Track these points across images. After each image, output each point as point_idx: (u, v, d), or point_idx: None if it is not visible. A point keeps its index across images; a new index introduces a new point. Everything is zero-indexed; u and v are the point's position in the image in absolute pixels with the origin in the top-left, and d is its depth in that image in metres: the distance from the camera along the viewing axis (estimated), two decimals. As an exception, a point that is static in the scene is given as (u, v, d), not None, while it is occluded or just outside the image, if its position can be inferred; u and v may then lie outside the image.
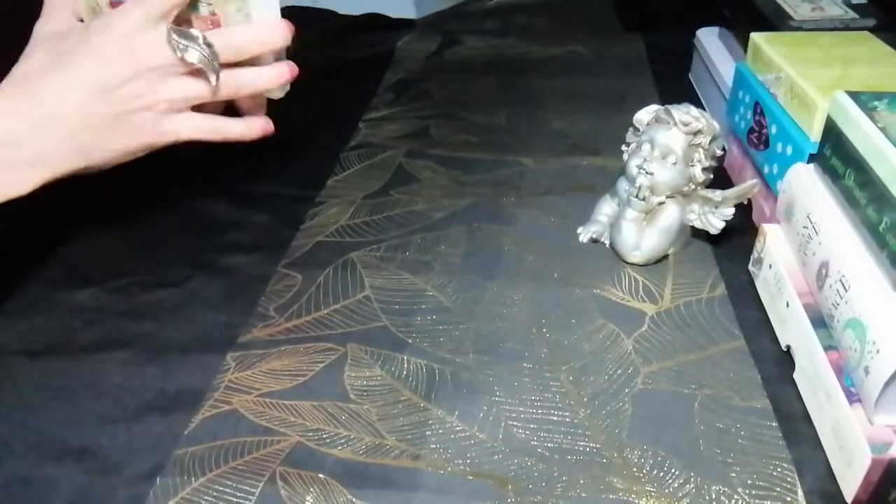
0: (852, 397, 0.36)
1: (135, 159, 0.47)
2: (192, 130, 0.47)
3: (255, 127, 0.50)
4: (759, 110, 0.54)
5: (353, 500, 0.36)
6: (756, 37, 0.56)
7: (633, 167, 0.50)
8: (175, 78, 0.44)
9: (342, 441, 0.40)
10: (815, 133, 0.45)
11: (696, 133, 0.50)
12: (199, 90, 0.45)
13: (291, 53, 0.50)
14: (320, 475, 0.38)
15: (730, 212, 0.50)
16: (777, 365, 0.43)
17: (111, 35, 0.42)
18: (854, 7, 0.62)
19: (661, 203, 0.51)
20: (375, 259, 0.54)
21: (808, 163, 0.46)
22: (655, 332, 0.46)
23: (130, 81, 0.42)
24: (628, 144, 0.54)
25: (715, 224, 0.51)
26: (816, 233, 0.42)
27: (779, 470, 0.37)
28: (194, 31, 0.43)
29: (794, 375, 0.42)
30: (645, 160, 0.50)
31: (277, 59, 0.49)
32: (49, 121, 0.41)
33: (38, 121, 0.41)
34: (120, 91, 0.42)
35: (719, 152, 0.51)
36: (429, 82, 0.81)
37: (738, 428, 0.39)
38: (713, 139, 0.51)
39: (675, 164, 0.50)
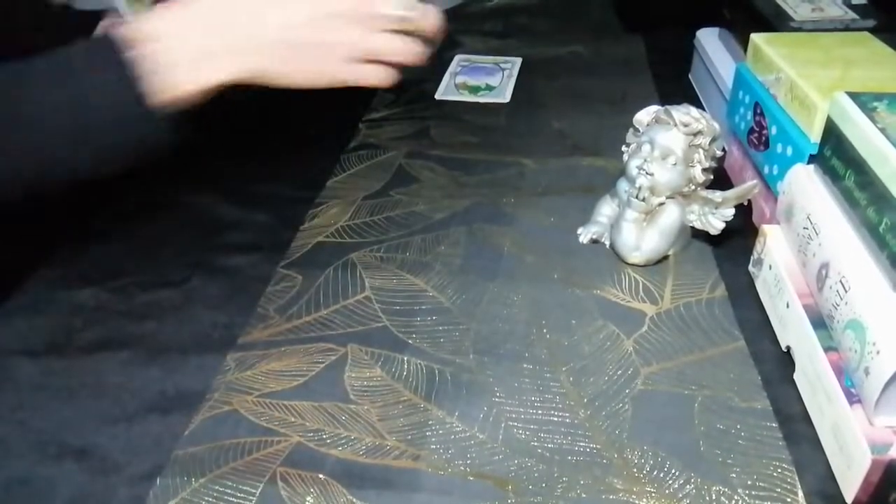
0: (852, 398, 0.36)
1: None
2: (373, 80, 0.47)
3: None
4: (759, 111, 0.54)
5: (353, 500, 0.36)
6: (756, 37, 0.56)
7: (633, 168, 0.51)
8: (384, 32, 0.45)
9: (342, 441, 0.40)
10: (815, 134, 0.45)
11: (696, 134, 0.50)
12: (399, 47, 0.46)
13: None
14: (320, 475, 0.38)
15: (730, 213, 0.50)
16: (777, 366, 0.43)
17: None
18: (854, 7, 0.62)
19: (661, 204, 0.51)
20: (375, 259, 0.54)
21: (808, 164, 0.46)
22: (655, 332, 0.46)
23: (348, 22, 0.44)
24: (628, 145, 0.54)
25: (715, 225, 0.51)
26: (816, 234, 0.42)
27: (779, 471, 0.37)
28: None
29: (794, 376, 0.42)
30: (645, 161, 0.50)
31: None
32: (259, 22, 0.43)
33: (248, 18, 0.43)
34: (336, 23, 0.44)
35: (719, 153, 0.51)
36: (429, 83, 0.81)
37: (738, 429, 0.39)
38: (713, 140, 0.51)
39: (675, 164, 0.50)
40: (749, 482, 0.37)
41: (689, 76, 0.79)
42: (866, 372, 0.34)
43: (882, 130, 0.38)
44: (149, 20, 0.41)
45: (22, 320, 0.49)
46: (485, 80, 0.80)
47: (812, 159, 0.46)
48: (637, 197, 0.50)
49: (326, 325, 0.48)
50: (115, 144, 0.42)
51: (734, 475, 0.37)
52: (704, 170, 0.51)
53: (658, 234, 0.51)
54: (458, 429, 0.40)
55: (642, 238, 0.51)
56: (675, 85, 0.78)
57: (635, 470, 0.38)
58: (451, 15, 1.06)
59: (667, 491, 0.36)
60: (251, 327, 0.48)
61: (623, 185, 0.53)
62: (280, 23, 0.43)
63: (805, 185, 0.45)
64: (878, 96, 0.41)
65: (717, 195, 0.50)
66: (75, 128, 0.40)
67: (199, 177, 0.64)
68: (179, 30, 0.42)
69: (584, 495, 0.36)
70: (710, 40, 0.74)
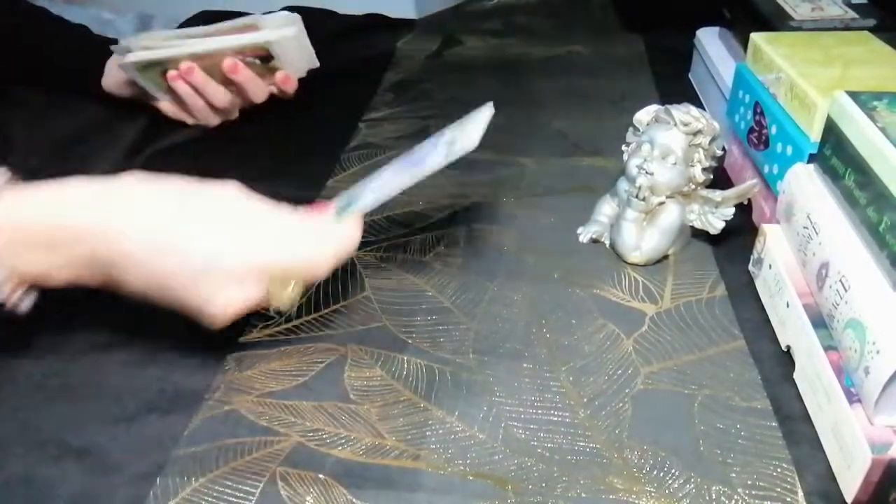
0: (852, 397, 0.36)
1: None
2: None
3: None
4: (759, 110, 0.54)
5: (353, 500, 0.36)
6: (756, 37, 0.56)
7: (633, 167, 0.51)
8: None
9: (342, 441, 0.40)
10: (815, 133, 0.45)
11: (696, 133, 0.50)
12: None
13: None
14: (320, 475, 0.38)
15: (730, 212, 0.50)
16: (777, 365, 0.43)
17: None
18: (854, 7, 0.62)
19: (661, 203, 0.51)
20: (375, 259, 0.54)
21: (808, 163, 0.46)
22: (655, 332, 0.46)
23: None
24: (628, 144, 0.54)
25: (715, 224, 0.51)
26: (816, 233, 0.42)
27: (779, 470, 0.37)
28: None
29: (794, 376, 0.42)
30: (645, 160, 0.50)
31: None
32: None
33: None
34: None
35: (719, 152, 0.51)
36: (429, 82, 0.81)
37: (738, 428, 0.39)
38: (713, 139, 0.51)
39: (675, 164, 0.50)
40: (749, 482, 0.37)
41: (689, 76, 0.79)
42: (866, 371, 0.34)
43: (882, 129, 0.38)
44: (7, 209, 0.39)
45: (22, 320, 0.49)
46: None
47: (812, 158, 0.46)
48: (637, 196, 0.50)
49: (326, 324, 0.48)
50: None
51: (734, 475, 0.37)
52: (704, 169, 0.51)
53: (658, 234, 0.51)
54: (458, 428, 0.40)
55: (642, 237, 0.51)
56: (675, 84, 0.78)
57: (635, 469, 0.38)
58: (450, 14, 1.07)
59: (667, 490, 0.36)
60: (251, 327, 0.48)
61: (623, 185, 0.53)
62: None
63: (805, 185, 0.45)
64: (878, 95, 0.41)
65: (717, 194, 0.50)
66: None
67: (199, 177, 0.64)
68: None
69: (583, 495, 0.36)
70: (710, 40, 0.74)
